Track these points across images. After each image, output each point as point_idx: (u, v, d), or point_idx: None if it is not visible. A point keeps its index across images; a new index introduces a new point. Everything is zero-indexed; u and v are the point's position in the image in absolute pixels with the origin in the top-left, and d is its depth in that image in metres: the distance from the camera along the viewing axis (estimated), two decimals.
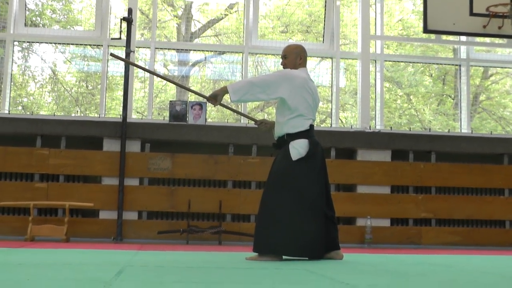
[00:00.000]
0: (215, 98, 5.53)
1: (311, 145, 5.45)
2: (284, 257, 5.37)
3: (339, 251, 5.62)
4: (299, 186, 5.36)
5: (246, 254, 5.49)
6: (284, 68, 5.69)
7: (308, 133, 5.50)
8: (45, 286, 3.04)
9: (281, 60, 5.74)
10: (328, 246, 5.49)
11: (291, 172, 5.39)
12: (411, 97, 10.77)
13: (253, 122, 6.36)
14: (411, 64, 10.47)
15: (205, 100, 6.16)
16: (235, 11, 10.37)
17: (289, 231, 5.25)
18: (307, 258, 5.38)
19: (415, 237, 8.77)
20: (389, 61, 10.03)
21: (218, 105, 5.70)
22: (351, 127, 9.17)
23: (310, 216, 5.33)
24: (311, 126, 5.56)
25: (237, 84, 5.54)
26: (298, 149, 5.40)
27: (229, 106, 7.07)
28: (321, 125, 9.77)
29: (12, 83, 9.10)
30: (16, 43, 9.22)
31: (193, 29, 10.44)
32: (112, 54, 6.53)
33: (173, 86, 9.99)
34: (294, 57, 5.65)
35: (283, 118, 5.52)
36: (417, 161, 8.98)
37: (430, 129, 9.77)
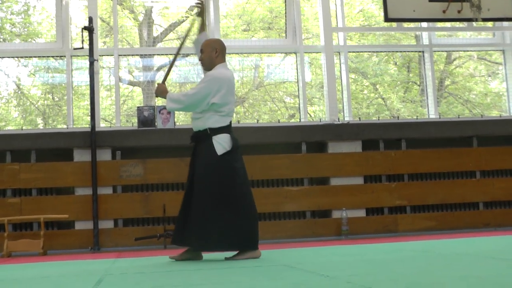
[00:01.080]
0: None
1: (233, 140, 5.56)
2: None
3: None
4: (232, 177, 5.47)
5: (225, 255, 5.50)
6: (201, 62, 5.75)
7: (229, 129, 5.60)
8: None
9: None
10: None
11: (218, 167, 5.46)
12: (377, 86, 10.83)
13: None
14: (375, 54, 10.52)
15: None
16: (196, 13, 10.34)
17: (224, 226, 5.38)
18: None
19: (391, 225, 8.84)
20: (353, 52, 10.07)
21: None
22: (320, 121, 9.21)
23: (241, 209, 5.43)
24: (230, 122, 5.66)
25: (174, 96, 5.64)
26: (222, 143, 5.48)
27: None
28: (290, 120, 9.79)
29: None
30: None
31: (155, 34, 10.39)
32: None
33: (140, 91, 9.96)
34: (210, 50, 5.65)
35: (206, 113, 5.54)
36: (388, 150, 9.05)
37: (398, 117, 9.84)
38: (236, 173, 5.51)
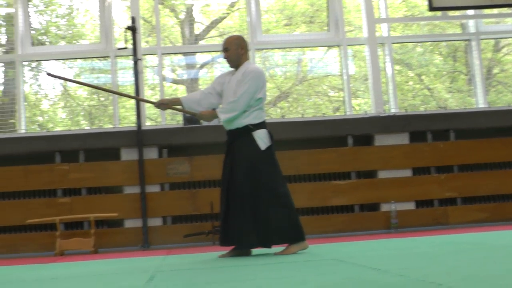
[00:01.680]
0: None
1: (270, 134, 5.60)
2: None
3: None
4: (277, 172, 5.52)
5: (274, 250, 5.48)
6: (227, 60, 5.75)
7: (265, 124, 5.63)
8: None
9: (224, 53, 5.76)
10: None
11: (263, 162, 5.49)
12: (423, 77, 10.69)
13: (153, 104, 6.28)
14: (419, 44, 10.37)
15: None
16: (237, 9, 10.33)
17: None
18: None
19: (442, 217, 8.71)
20: (397, 43, 9.95)
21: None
22: (366, 113, 9.12)
23: (288, 201, 5.51)
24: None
25: (225, 108, 5.58)
26: (263, 139, 5.50)
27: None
28: (336, 114, 9.72)
29: (25, 103, 9.13)
30: (25, 63, 9.25)
31: (197, 32, 10.41)
32: (48, 74, 6.39)
33: (184, 89, 9.99)
34: (235, 48, 5.69)
35: (246, 110, 5.53)
36: (436, 141, 8.93)
37: (446, 107, 9.70)
38: (279, 167, 5.55)
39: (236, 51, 5.67)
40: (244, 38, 5.82)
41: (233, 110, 5.48)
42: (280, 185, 5.47)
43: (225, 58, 5.76)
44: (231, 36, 5.83)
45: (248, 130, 5.50)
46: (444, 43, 10.58)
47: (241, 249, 5.51)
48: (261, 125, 5.55)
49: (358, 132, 8.85)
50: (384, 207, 8.64)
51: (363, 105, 9.99)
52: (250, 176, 5.42)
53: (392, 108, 9.24)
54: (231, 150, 5.61)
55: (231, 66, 5.77)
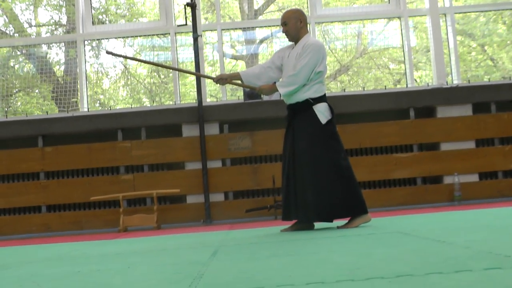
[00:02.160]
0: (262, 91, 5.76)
1: (331, 108, 5.52)
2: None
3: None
4: (339, 146, 5.48)
5: (336, 224, 5.47)
6: (286, 34, 5.67)
7: (325, 97, 5.56)
8: (146, 272, 3.09)
9: (283, 28, 5.70)
10: None
11: (325, 136, 5.44)
12: (486, 47, 10.48)
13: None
14: (482, 14, 10.16)
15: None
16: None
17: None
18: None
19: (506, 189, 8.57)
20: (459, 13, 9.76)
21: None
22: (428, 85, 8.99)
23: (351, 174, 5.45)
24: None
25: (285, 82, 5.53)
26: (324, 112, 5.44)
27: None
28: (396, 86, 9.61)
29: (87, 82, 9.27)
30: (86, 42, 9.38)
31: (256, 7, 10.40)
32: (108, 52, 6.44)
33: (243, 65, 10.00)
34: (294, 21, 5.61)
35: (306, 84, 5.48)
36: (500, 112, 8.75)
37: (510, 78, 9.50)
38: (340, 141, 5.51)
39: (295, 25, 5.61)
40: (303, 12, 5.77)
41: (293, 83, 5.44)
42: (342, 158, 5.43)
43: (284, 32, 5.72)
44: (289, 10, 5.79)
45: (308, 104, 5.46)
46: (508, 12, 10.33)
47: (303, 223, 5.51)
48: (322, 98, 5.49)
49: (420, 105, 8.74)
50: (447, 180, 8.53)
51: (424, 77, 9.86)
52: (311, 150, 5.40)
53: (455, 80, 9.08)
54: (292, 124, 5.58)
55: (290, 40, 5.73)
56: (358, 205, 5.38)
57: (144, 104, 9.58)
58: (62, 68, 9.93)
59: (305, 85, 5.45)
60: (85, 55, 9.29)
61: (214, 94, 9.69)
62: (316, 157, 5.38)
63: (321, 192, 5.29)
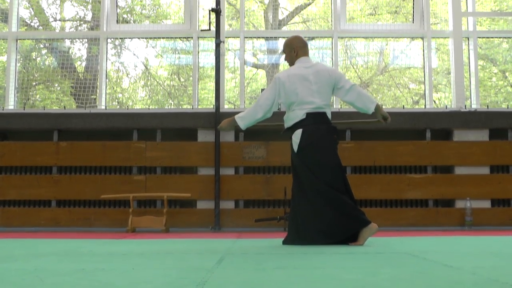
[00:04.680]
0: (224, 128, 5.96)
1: (305, 134, 5.41)
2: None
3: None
4: (299, 178, 5.49)
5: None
6: (287, 62, 5.78)
7: (303, 122, 5.44)
8: (150, 274, 3.09)
9: None
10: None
11: (296, 164, 5.51)
12: (507, 74, 10.43)
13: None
14: (505, 40, 10.12)
15: None
16: None
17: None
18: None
19: None
20: (482, 37, 9.73)
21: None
22: (446, 108, 8.96)
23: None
24: (307, 114, 5.45)
25: (242, 113, 5.75)
26: (296, 140, 5.46)
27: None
28: (415, 107, 9.58)
29: (107, 80, 9.31)
30: (109, 40, 9.43)
31: (280, 17, 10.40)
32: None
33: (264, 74, 10.01)
34: (288, 51, 5.70)
35: (285, 114, 5.62)
36: None
37: None
38: (313, 168, 5.39)
39: (289, 54, 5.71)
40: (300, 39, 5.72)
41: (245, 116, 5.72)
42: (296, 190, 5.49)
43: (285, 60, 5.83)
44: (287, 39, 5.79)
45: (289, 133, 5.57)
46: None
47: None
48: (297, 125, 5.45)
49: (437, 126, 8.71)
50: (459, 204, 8.49)
51: (443, 99, 9.81)
52: (293, 178, 5.58)
53: (473, 104, 9.05)
54: None
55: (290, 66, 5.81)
56: (356, 220, 5.28)
57: (164, 106, 9.58)
58: (83, 64, 9.98)
59: (285, 115, 5.60)
60: (107, 53, 9.34)
61: (232, 101, 9.70)
62: (294, 185, 5.58)
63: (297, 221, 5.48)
